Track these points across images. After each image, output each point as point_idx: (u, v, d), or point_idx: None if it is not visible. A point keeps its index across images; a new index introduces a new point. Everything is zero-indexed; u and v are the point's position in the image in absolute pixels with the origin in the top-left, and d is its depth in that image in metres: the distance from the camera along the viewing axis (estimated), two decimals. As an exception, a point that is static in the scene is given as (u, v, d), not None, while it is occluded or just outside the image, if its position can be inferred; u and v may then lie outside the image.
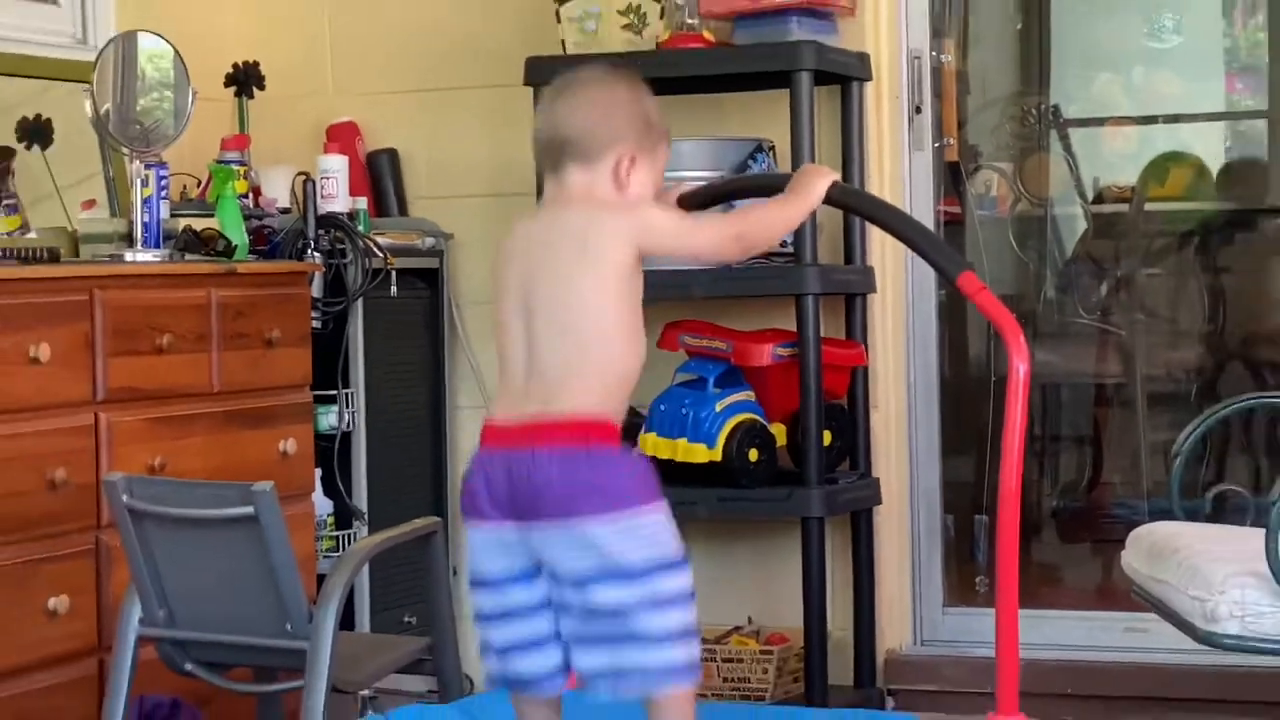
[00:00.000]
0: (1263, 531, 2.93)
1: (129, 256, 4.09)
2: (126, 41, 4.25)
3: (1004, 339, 2.82)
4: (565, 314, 2.81)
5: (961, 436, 5.09)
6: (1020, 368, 2.79)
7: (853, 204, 3.46)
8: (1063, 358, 5.63)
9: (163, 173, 4.17)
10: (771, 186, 3.20)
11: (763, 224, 3.00)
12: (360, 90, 5.07)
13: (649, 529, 2.79)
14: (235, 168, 4.58)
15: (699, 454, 4.36)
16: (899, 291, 4.81)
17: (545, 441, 2.78)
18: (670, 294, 4.23)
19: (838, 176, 3.13)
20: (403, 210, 4.99)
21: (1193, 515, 3.47)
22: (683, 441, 4.37)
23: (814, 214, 3.60)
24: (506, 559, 2.84)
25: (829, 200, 3.07)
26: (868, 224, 4.60)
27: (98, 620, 3.79)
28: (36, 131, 4.28)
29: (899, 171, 4.78)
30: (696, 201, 3.37)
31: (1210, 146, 5.51)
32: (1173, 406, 5.52)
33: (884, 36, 4.74)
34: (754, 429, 4.40)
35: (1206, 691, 4.44)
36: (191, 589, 3.41)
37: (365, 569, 4.31)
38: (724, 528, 4.72)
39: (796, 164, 4.28)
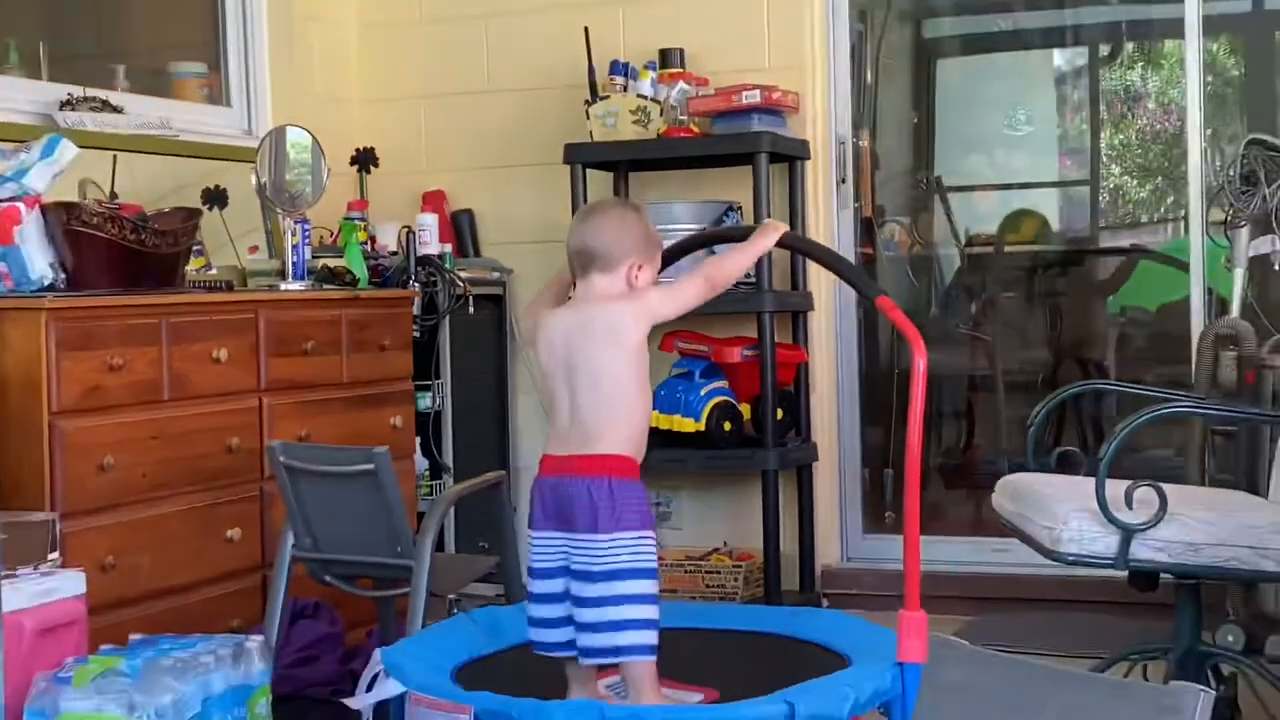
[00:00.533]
0: (1093, 480, 2.87)
1: (283, 286, 4.09)
2: (279, 133, 4.24)
3: (909, 342, 2.77)
4: (600, 382, 2.74)
5: (874, 412, 5.03)
6: (920, 363, 2.74)
7: (799, 247, 3.45)
8: (945, 356, 5.55)
9: (306, 227, 4.14)
10: (739, 235, 3.12)
11: (723, 270, 2.88)
12: (447, 167, 5.03)
13: (641, 547, 2.71)
14: (358, 223, 4.61)
15: (688, 426, 4.36)
16: (830, 309, 4.77)
17: (582, 472, 2.71)
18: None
19: (787, 228, 3.07)
20: (477, 252, 4.98)
21: (1043, 469, 3.36)
22: (677, 416, 4.38)
23: (770, 254, 3.61)
24: (549, 557, 2.77)
25: (781, 244, 3.01)
26: (808, 261, 4.60)
27: (261, 546, 3.79)
28: (216, 197, 4.29)
29: (830, 224, 4.76)
30: (681, 248, 3.34)
31: (1049, 205, 5.45)
32: (1024, 391, 5.47)
33: (819, 127, 4.71)
34: (728, 407, 4.41)
35: (1053, 594, 4.42)
36: (330, 523, 3.41)
37: (452, 509, 4.03)
38: (706, 478, 4.68)
39: (758, 219, 4.30)
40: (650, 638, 2.72)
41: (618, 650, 2.71)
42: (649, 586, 2.71)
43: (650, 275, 2.80)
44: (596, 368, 2.73)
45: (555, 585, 2.76)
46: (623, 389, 2.73)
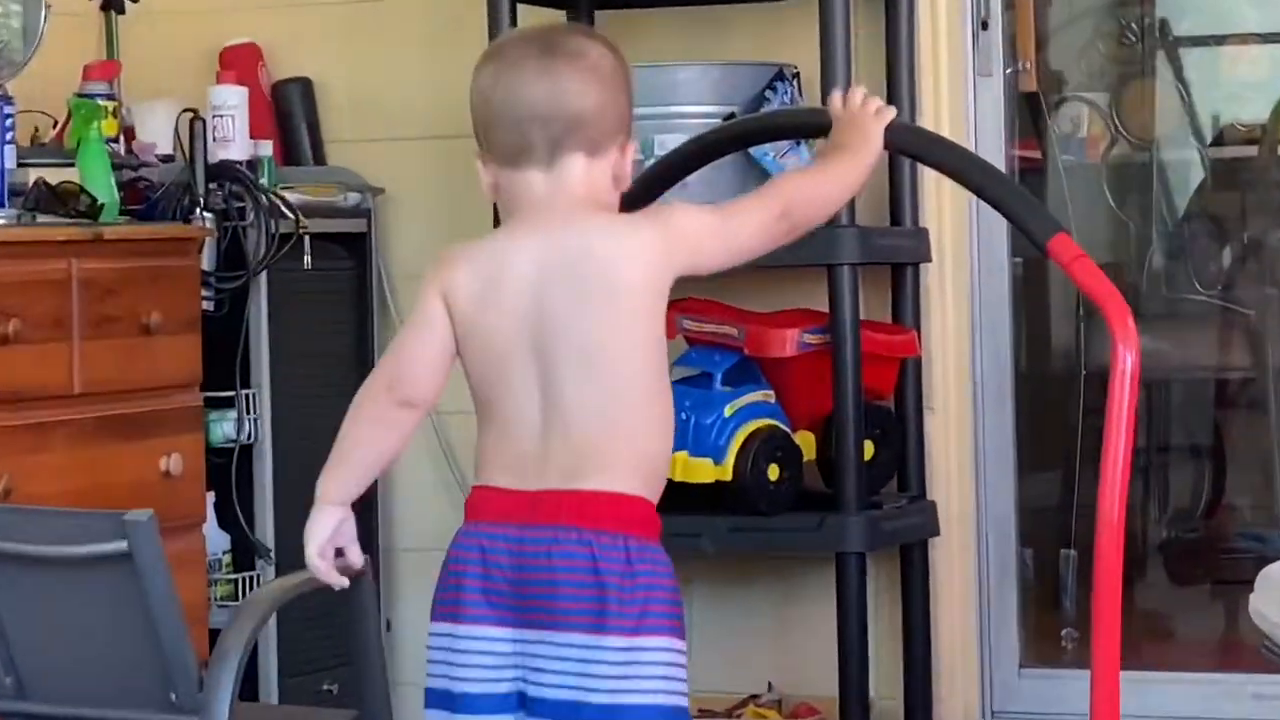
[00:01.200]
0: None
1: (-35, 220, 4.06)
2: (-42, -56, 4.17)
3: (1107, 321, 2.82)
4: (599, 363, 2.83)
5: (1043, 447, 5.15)
6: (1127, 358, 2.80)
7: (917, 148, 3.41)
8: (1175, 345, 5.67)
9: (8, 110, 4.22)
10: (805, 128, 3.28)
11: (814, 195, 2.99)
12: (264, 4, 5.13)
13: (671, 667, 2.80)
14: (102, 103, 4.58)
15: (704, 472, 4.40)
16: (961, 261, 4.83)
17: (575, 521, 2.80)
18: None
19: (894, 112, 3.09)
20: (319, 159, 5.03)
21: None
22: (683, 455, 4.39)
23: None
24: (488, 676, 2.86)
25: (886, 145, 3.07)
26: (920, 174, 4.66)
27: (-71, 693, 3.71)
28: None
29: (960, 104, 4.83)
30: (692, 153, 3.46)
31: None
32: None
33: None
34: (774, 439, 4.44)
35: None
36: (48, 649, 3.41)
37: (272, 621, 4.30)
38: (737, 566, 4.81)
39: (827, 95, 4.04)
40: None
41: None
42: None
43: (630, 165, 2.93)
44: (593, 338, 2.83)
45: None
46: (638, 380, 2.86)
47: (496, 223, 3.11)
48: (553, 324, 2.81)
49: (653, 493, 2.84)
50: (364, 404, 2.96)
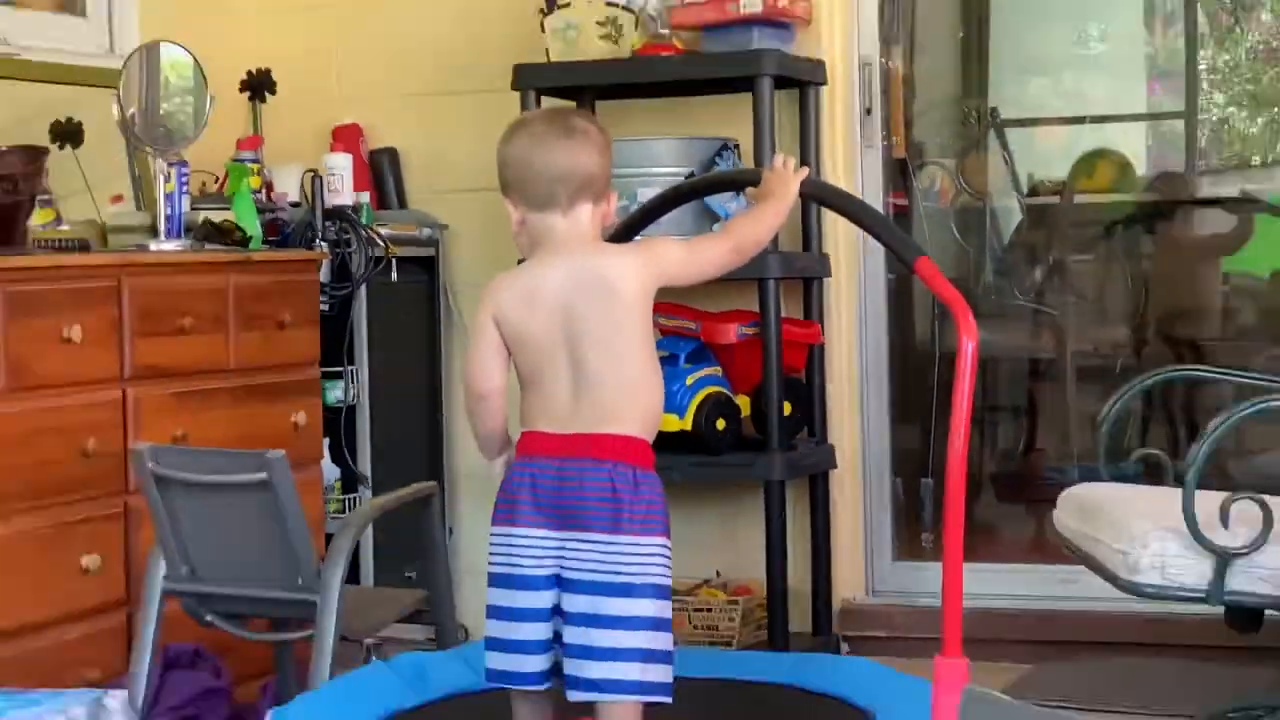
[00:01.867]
0: (1180, 491, 2.91)
1: (153, 246, 4.05)
2: (150, 51, 4.19)
3: (955, 319, 2.79)
4: (613, 348, 2.79)
5: (908, 406, 5.05)
6: (969, 345, 2.75)
7: (823, 197, 3.41)
8: (1000, 336, 5.58)
9: (184, 170, 4.13)
10: (742, 182, 3.21)
11: (753, 232, 2.96)
12: (363, 95, 5.04)
13: (663, 558, 2.78)
14: (250, 165, 4.59)
15: (671, 423, 4.32)
16: (852, 275, 4.78)
17: (602, 455, 2.77)
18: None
19: (808, 170, 3.11)
20: (402, 204, 4.96)
21: (1118, 478, 3.42)
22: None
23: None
24: (537, 563, 2.80)
25: (802, 195, 3.06)
26: (822, 214, 4.61)
27: (126, 577, 3.77)
28: (68, 133, 4.24)
29: (852, 167, 4.76)
30: (665, 200, 3.42)
31: (1133, 144, 5.45)
32: (1099, 380, 5.45)
33: (837, 45, 4.71)
34: (721, 401, 4.40)
35: (1130, 636, 4.43)
36: (212, 548, 3.42)
37: (369, 529, 4.27)
38: (694, 491, 4.66)
39: (759, 162, 4.27)
40: (669, 675, 2.77)
41: (630, 686, 2.74)
42: (668, 610, 2.77)
43: (615, 207, 2.91)
44: (606, 332, 2.79)
45: (539, 599, 2.80)
46: (638, 353, 2.81)
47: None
48: (578, 323, 2.78)
49: (650, 435, 2.81)
50: (467, 405, 2.94)
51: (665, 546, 2.77)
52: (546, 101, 4.58)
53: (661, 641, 2.77)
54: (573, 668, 2.76)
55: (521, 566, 2.80)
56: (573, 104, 4.71)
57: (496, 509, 2.83)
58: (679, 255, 2.87)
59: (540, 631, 2.80)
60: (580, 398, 2.79)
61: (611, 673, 2.74)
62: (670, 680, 2.77)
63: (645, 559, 2.75)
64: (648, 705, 2.76)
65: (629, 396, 2.80)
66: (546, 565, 2.78)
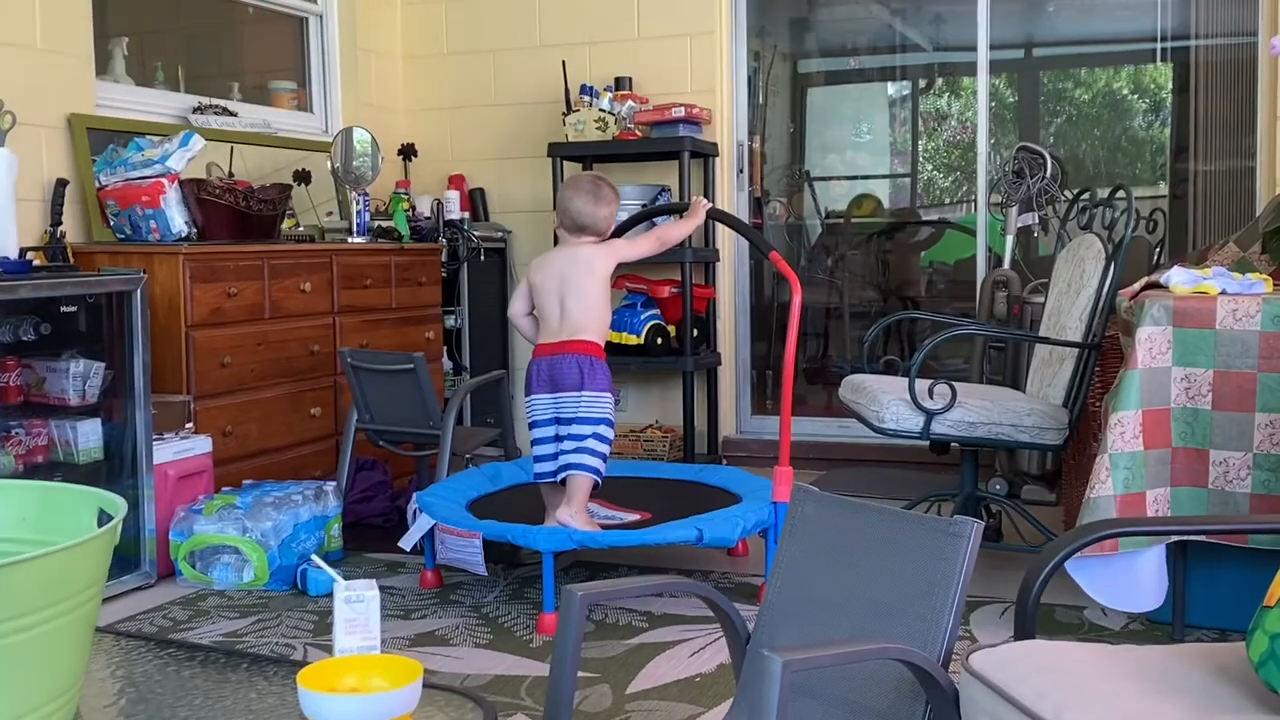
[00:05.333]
0: (907, 379, 2.89)
1: (350, 240, 4.02)
2: (347, 133, 4.16)
3: (790, 283, 2.78)
4: (583, 295, 2.75)
5: (760, 332, 4.88)
6: (796, 298, 2.77)
7: (720, 217, 3.05)
8: (810, 294, 5.38)
9: (366, 199, 4.11)
10: (676, 210, 3.12)
11: (671, 235, 2.88)
12: (465, 158, 4.90)
13: (606, 402, 2.74)
14: (403, 196, 4.45)
15: (632, 340, 4.30)
16: (730, 261, 4.67)
17: (572, 351, 2.73)
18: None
19: (711, 204, 3.10)
20: (486, 218, 4.88)
21: (873, 372, 3.30)
22: (625, 334, 4.30)
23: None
24: (543, 414, 2.77)
25: (709, 216, 2.99)
26: (716, 227, 4.53)
27: (335, 420, 3.75)
28: (304, 177, 4.22)
29: (733, 202, 4.66)
30: (635, 218, 3.34)
31: (882, 190, 5.44)
32: (863, 319, 5.36)
33: (725, 133, 4.60)
34: (660, 328, 4.34)
35: (878, 457, 4.40)
36: (383, 405, 3.39)
37: (468, 395, 4.29)
38: (644, 376, 4.64)
39: (683, 197, 4.20)
40: (600, 464, 2.71)
41: (581, 466, 2.69)
42: (607, 431, 2.72)
43: (612, 228, 2.84)
44: (581, 286, 2.73)
45: (548, 431, 2.76)
46: (597, 301, 2.75)
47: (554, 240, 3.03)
48: (567, 284, 2.75)
49: (602, 341, 2.76)
50: (514, 322, 2.88)
51: (609, 397, 2.73)
52: (568, 164, 4.51)
53: (602, 446, 2.71)
54: (562, 460, 2.74)
55: (536, 414, 2.78)
56: (580, 165, 4.61)
57: (526, 385, 2.79)
58: (626, 246, 2.82)
59: (551, 448, 2.77)
60: (564, 322, 2.75)
61: (575, 460, 2.72)
62: (599, 467, 2.70)
63: (597, 404, 2.72)
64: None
65: (590, 321, 2.74)
66: (549, 412, 2.76)
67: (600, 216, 2.78)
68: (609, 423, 2.74)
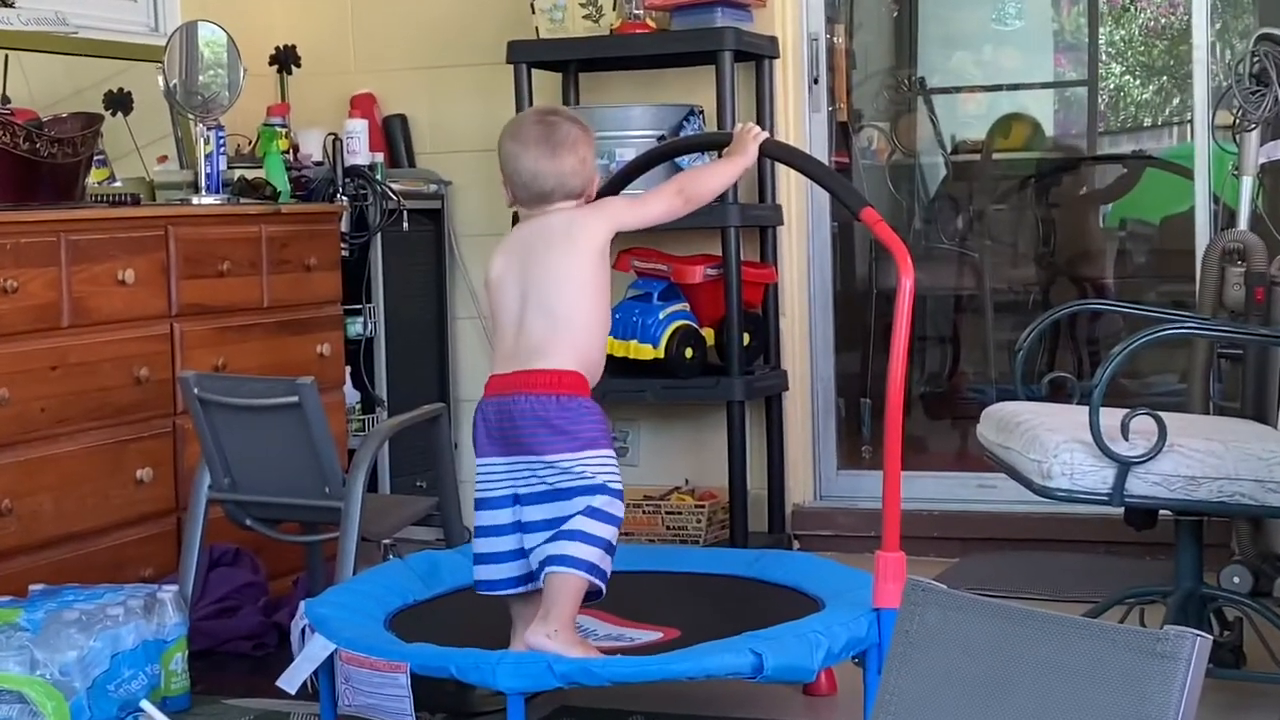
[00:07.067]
0: (1086, 408, 2.91)
1: (195, 200, 4.05)
2: (190, 29, 4.17)
3: (895, 260, 2.80)
4: (552, 288, 2.78)
5: (849, 336, 5.01)
6: (907, 282, 2.78)
7: (781, 155, 3.34)
8: (928, 275, 5.52)
9: (220, 134, 4.12)
10: (713, 144, 3.17)
11: (700, 183, 2.94)
12: (376, 67, 4.99)
13: (602, 461, 2.76)
14: (279, 129, 4.54)
15: (646, 353, 4.33)
16: (802, 224, 4.75)
17: (525, 389, 2.75)
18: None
19: (766, 134, 3.08)
20: (411, 163, 4.93)
21: (1031, 397, 3.40)
22: (634, 342, 4.35)
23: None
24: (495, 485, 2.81)
25: (763, 153, 3.04)
26: (777, 170, 4.59)
27: (175, 487, 3.78)
28: (119, 102, 4.23)
29: (801, 130, 4.72)
30: (646, 160, 3.38)
31: (1043, 109, 5.50)
32: (1014, 313, 5.47)
33: (789, 22, 4.68)
34: (689, 332, 4.39)
35: (1043, 534, 4.45)
36: (250, 461, 3.43)
37: (386, 444, 4.18)
38: (665, 410, 4.69)
39: (721, 126, 4.25)
40: (596, 557, 2.70)
41: (565, 560, 2.70)
42: (609, 504, 2.72)
43: (595, 188, 2.89)
44: (552, 273, 2.75)
45: (502, 516, 2.78)
46: (576, 296, 2.77)
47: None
48: (529, 272, 2.80)
49: (589, 366, 2.78)
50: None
51: (607, 456, 2.77)
52: (537, 74, 4.55)
53: (601, 528, 2.71)
54: (537, 554, 2.73)
55: (485, 488, 2.84)
56: (558, 75, 4.71)
57: (474, 440, 2.85)
58: (626, 206, 2.90)
59: (509, 542, 2.79)
60: (520, 337, 2.80)
61: (556, 550, 2.71)
62: (604, 565, 2.72)
63: (587, 466, 2.75)
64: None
65: (561, 333, 2.77)
66: (503, 486, 2.82)
67: (567, 170, 2.80)
68: (611, 491, 2.75)
